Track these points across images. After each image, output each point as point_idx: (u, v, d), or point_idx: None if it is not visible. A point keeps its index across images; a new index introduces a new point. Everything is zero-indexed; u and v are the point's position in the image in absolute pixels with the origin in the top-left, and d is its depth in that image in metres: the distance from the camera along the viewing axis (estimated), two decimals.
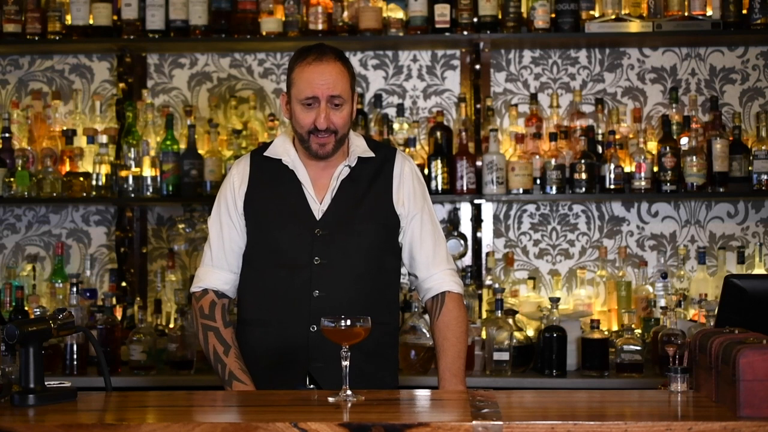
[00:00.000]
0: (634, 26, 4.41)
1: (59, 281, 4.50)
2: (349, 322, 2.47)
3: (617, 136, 4.45)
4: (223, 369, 2.89)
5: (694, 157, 4.36)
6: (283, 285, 2.90)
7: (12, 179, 4.48)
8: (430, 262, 2.98)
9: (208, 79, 4.77)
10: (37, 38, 4.56)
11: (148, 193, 4.49)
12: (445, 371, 2.92)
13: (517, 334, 4.15)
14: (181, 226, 4.64)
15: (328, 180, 2.95)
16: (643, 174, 4.36)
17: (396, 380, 3.04)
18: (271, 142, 3.04)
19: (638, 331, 4.25)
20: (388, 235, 2.96)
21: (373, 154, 2.98)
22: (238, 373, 2.88)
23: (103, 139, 4.52)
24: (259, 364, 2.93)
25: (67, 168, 4.54)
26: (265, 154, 3.00)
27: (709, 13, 4.44)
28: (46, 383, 2.48)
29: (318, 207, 2.92)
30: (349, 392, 2.44)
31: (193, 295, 3.02)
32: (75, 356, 4.14)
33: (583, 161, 4.39)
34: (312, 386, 2.89)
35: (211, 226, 3.01)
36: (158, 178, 4.50)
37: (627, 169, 4.41)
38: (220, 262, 2.98)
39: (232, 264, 2.99)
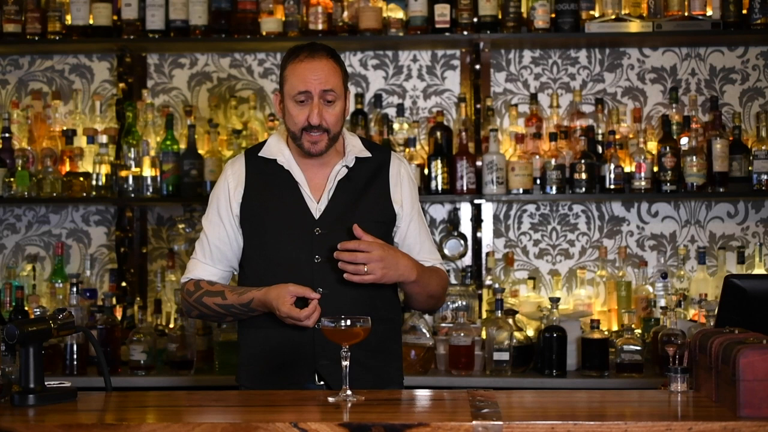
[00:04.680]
0: (634, 26, 4.41)
1: (59, 281, 4.50)
2: (348, 322, 2.48)
3: (617, 136, 4.45)
4: (238, 307, 2.89)
5: (694, 157, 4.35)
6: None
7: (12, 179, 4.48)
8: (427, 260, 3.06)
9: (208, 79, 4.77)
10: (37, 38, 4.56)
11: (148, 193, 4.49)
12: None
13: (517, 334, 4.15)
14: (181, 226, 4.64)
15: (324, 179, 2.97)
16: (643, 174, 4.36)
17: (401, 375, 3.06)
18: (265, 142, 3.05)
19: (638, 331, 4.25)
20: (385, 233, 2.99)
21: (369, 154, 3.01)
22: (244, 296, 2.88)
23: (103, 139, 4.52)
24: (266, 365, 2.94)
25: (67, 168, 4.54)
26: (259, 154, 3.02)
27: (709, 13, 4.44)
28: (46, 383, 2.48)
29: (316, 206, 2.94)
30: (349, 392, 2.45)
31: (182, 285, 3.04)
32: (75, 356, 4.14)
33: (583, 161, 4.39)
34: (322, 383, 2.90)
35: (204, 224, 3.04)
36: (158, 178, 4.50)
37: (627, 169, 4.41)
38: (208, 259, 3.01)
39: (219, 262, 3.01)
